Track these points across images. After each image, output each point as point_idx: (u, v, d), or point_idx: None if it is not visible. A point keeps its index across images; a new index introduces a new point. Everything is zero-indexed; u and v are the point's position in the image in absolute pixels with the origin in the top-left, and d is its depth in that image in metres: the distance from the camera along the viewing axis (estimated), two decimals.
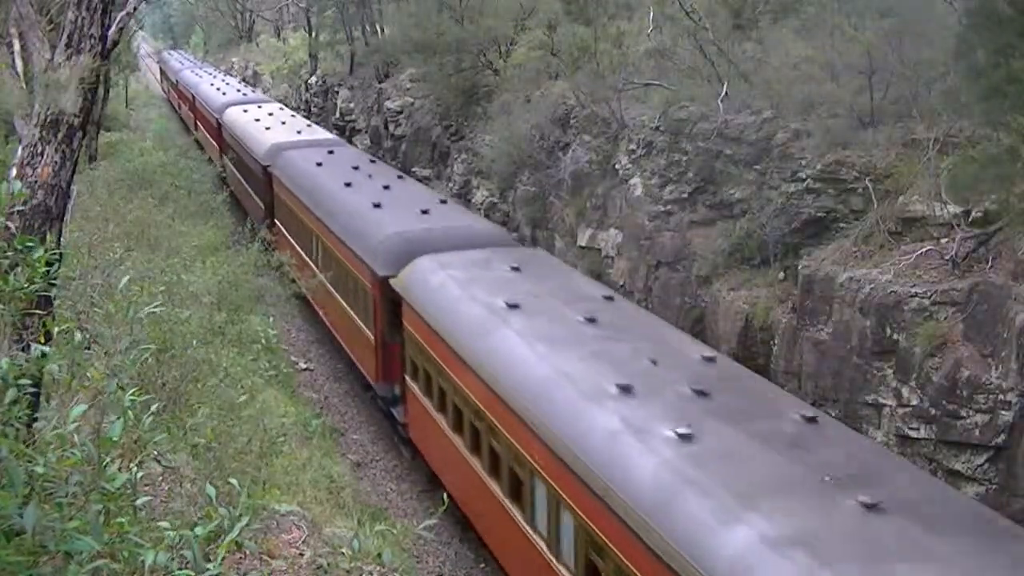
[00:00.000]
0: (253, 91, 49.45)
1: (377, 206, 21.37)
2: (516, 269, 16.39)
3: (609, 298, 15.06)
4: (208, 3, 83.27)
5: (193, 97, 49.92)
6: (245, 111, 38.07)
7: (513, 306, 14.34)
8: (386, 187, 23.47)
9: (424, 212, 20.78)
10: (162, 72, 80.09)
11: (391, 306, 18.21)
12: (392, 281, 17.87)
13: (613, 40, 25.78)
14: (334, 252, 22.06)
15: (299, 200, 25.58)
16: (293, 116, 38.47)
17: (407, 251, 18.34)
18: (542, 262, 18.01)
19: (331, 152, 28.90)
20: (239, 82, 53.81)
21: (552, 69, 29.42)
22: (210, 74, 57.53)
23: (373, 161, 29.09)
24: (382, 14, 42.69)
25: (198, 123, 48.03)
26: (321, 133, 34.64)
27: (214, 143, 42.19)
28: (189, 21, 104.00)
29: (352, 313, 20.83)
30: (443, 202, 23.02)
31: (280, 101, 47.61)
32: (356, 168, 26.13)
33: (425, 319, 15.86)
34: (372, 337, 19.37)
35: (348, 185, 23.91)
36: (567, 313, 13.93)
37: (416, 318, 16.40)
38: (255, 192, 31.93)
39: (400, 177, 26.50)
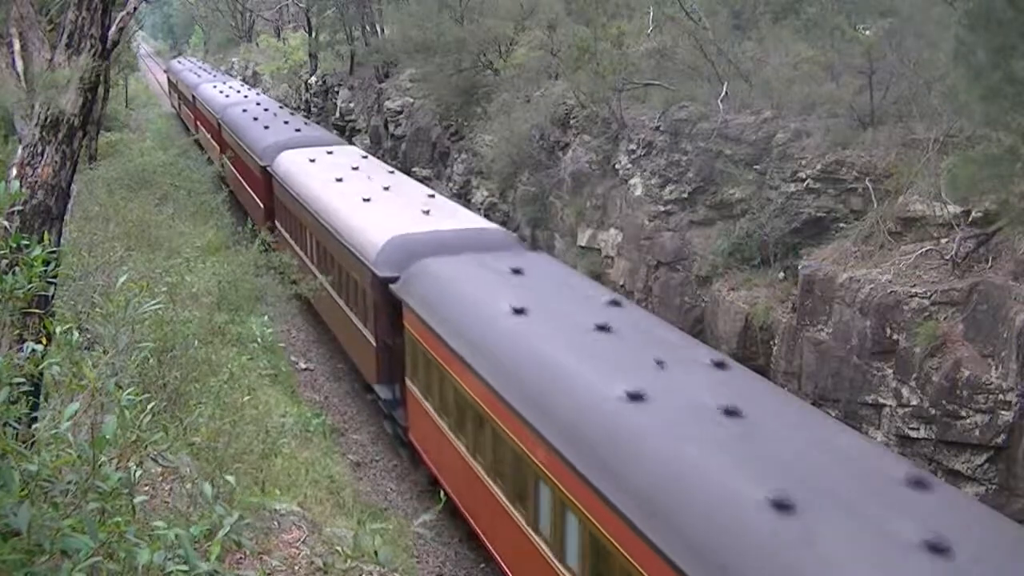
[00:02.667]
0: (307, 123, 36.56)
1: None
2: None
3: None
4: (208, 3, 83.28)
5: (219, 124, 39.53)
6: (312, 161, 27.58)
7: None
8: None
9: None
10: (172, 85, 65.61)
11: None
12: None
13: (613, 40, 25.78)
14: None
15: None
16: (391, 173, 26.78)
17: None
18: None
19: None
20: (287, 110, 40.68)
21: (552, 69, 29.43)
22: (240, 92, 46.58)
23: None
24: (382, 14, 42.70)
25: (231, 163, 35.71)
26: (456, 216, 21.61)
27: (257, 200, 31.63)
28: (189, 21, 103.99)
29: None
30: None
31: (280, 101, 47.48)
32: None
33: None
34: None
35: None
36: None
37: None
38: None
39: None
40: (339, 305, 22.04)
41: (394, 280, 17.72)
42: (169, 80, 69.23)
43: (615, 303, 14.25)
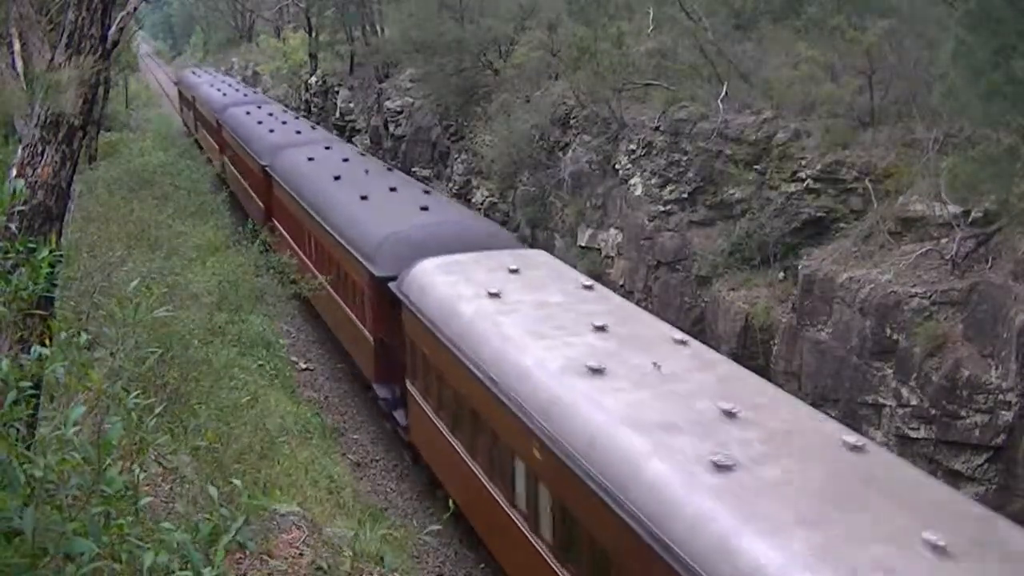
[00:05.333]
0: (390, 168, 27.88)
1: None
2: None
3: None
4: (208, 3, 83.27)
5: (268, 174, 28.97)
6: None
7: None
8: None
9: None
10: (187, 102, 52.10)
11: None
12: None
13: (613, 40, 25.79)
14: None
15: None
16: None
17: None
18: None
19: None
20: (374, 159, 30.54)
21: (552, 69, 29.43)
22: (289, 122, 35.26)
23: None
24: (382, 14, 42.70)
25: (287, 229, 27.12)
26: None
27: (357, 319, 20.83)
28: (189, 21, 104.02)
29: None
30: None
31: (280, 101, 47.37)
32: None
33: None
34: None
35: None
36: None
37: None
38: None
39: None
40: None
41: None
42: (181, 95, 56.23)
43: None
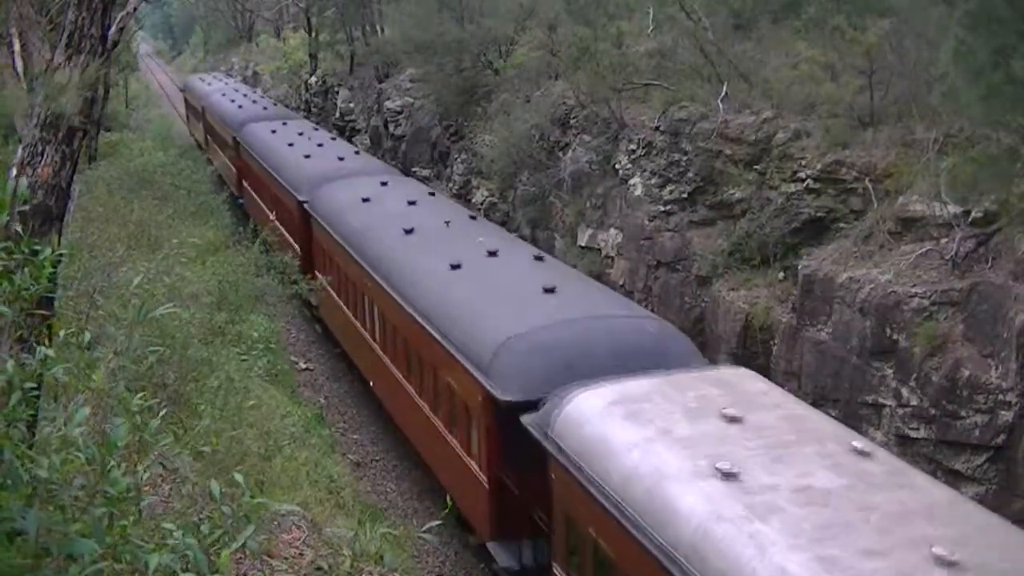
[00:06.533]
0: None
1: None
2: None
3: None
4: (208, 3, 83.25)
5: (307, 213, 24.20)
6: None
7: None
8: None
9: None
10: (196, 112, 46.47)
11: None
12: None
13: (613, 40, 25.79)
14: None
15: None
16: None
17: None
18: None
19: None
20: (446, 200, 24.63)
21: (552, 69, 29.43)
22: (322, 144, 29.56)
23: None
24: (382, 14, 42.70)
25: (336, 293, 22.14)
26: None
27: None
28: (189, 21, 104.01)
29: None
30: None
31: (280, 101, 47.26)
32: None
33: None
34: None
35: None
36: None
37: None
38: None
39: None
40: None
41: None
42: (188, 104, 50.46)
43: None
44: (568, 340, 13.06)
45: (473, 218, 21.04)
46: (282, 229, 26.77)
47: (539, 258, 17.10)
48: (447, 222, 19.45)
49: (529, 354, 12.98)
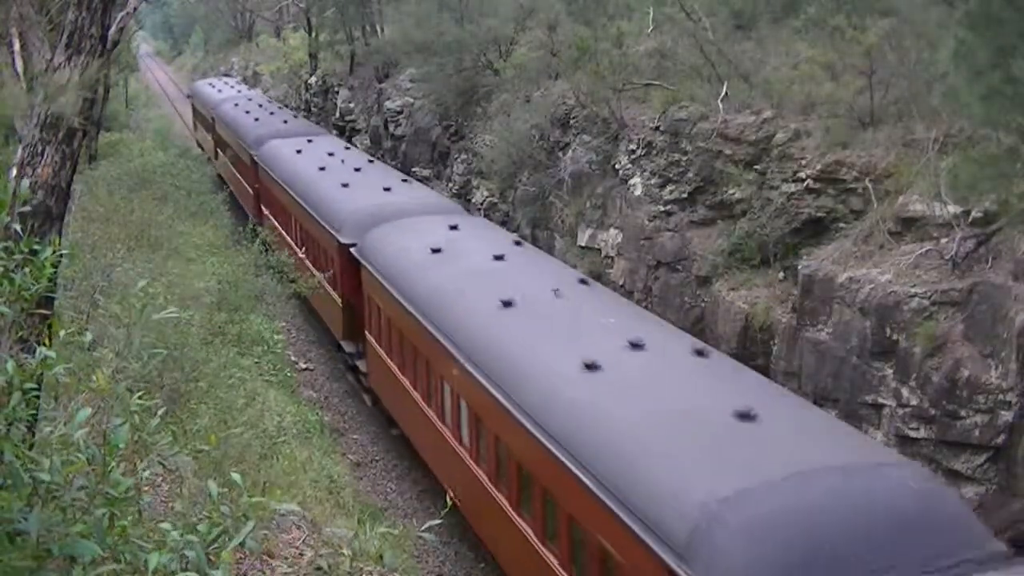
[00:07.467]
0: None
1: None
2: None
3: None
4: (208, 3, 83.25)
5: (355, 261, 20.17)
6: None
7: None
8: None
9: None
10: (202, 119, 44.25)
11: None
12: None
13: (613, 40, 25.79)
14: None
15: None
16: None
17: None
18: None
19: None
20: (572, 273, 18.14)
21: (552, 69, 29.43)
22: (360, 169, 26.00)
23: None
24: (382, 14, 42.69)
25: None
26: None
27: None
28: (189, 21, 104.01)
29: None
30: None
31: (280, 101, 47.25)
32: None
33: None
34: None
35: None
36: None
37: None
38: None
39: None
40: None
41: None
42: (196, 111, 47.31)
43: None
44: (804, 514, 8.47)
45: (584, 282, 15.99)
46: (318, 275, 22.52)
47: (700, 353, 12.13)
48: (555, 290, 14.67)
49: (751, 539, 8.31)
